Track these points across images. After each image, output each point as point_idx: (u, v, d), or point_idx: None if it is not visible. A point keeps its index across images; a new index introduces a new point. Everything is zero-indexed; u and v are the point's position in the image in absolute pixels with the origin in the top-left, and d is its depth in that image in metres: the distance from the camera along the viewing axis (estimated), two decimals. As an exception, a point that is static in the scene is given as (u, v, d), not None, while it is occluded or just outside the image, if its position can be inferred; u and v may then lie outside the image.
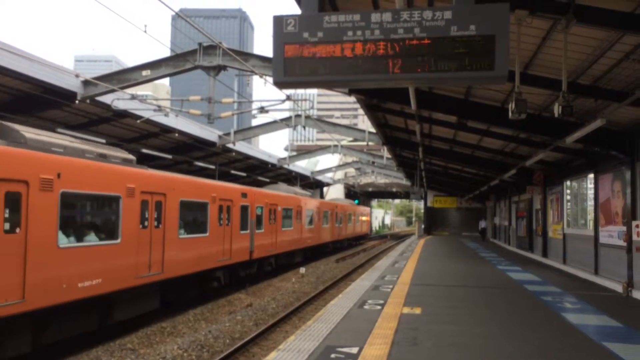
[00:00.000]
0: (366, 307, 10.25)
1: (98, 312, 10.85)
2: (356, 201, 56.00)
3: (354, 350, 6.95)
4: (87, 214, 10.87)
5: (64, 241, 9.49)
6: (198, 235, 14.84)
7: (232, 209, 17.32)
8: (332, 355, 6.68)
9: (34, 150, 9.07)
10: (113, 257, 10.84)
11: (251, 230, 19.03)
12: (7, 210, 8.23)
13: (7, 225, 8.21)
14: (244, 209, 18.52)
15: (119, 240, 11.04)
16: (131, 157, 12.54)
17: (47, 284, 9.00)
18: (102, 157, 11.24)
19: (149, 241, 12.20)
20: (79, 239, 10.03)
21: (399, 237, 61.28)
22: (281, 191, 25.26)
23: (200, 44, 16.69)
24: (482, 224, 40.54)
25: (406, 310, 9.94)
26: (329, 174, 56.92)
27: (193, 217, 14.89)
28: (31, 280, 8.60)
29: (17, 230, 8.40)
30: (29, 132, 9.65)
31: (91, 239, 10.30)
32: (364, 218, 50.31)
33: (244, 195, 18.62)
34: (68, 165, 9.69)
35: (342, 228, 38.65)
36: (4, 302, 8.13)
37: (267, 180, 40.91)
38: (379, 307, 10.14)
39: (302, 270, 22.60)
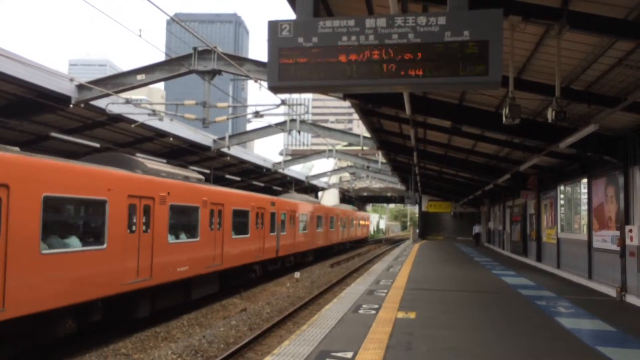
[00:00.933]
0: (361, 311, 10.25)
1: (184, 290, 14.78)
2: (350, 205, 56.82)
3: (349, 354, 6.95)
4: (182, 220, 14.55)
5: (171, 238, 13.65)
6: (243, 236, 18.83)
7: (265, 215, 21.23)
8: (327, 360, 6.67)
9: (153, 175, 13.15)
10: (196, 251, 15.07)
11: (277, 232, 22.84)
12: (145, 216, 12.38)
13: (144, 226, 12.34)
14: (273, 215, 22.36)
15: (198, 239, 15.20)
16: (201, 176, 16.80)
17: (193, 261, 14.77)
18: (186, 178, 15.27)
19: (214, 239, 16.28)
20: (178, 237, 14.14)
21: (394, 242, 61.29)
22: (295, 199, 28.57)
23: (195, 49, 16.69)
24: (476, 229, 39.98)
25: (401, 314, 9.94)
26: (324, 179, 56.91)
27: (241, 221, 18.67)
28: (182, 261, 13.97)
29: (148, 230, 12.45)
30: (149, 162, 13.99)
31: (183, 237, 14.41)
32: (364, 223, 54.50)
33: (273, 204, 22.56)
34: (172, 186, 13.88)
35: (346, 232, 42.23)
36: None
37: (262, 184, 40.89)
38: (373, 312, 10.14)
39: (297, 274, 22.57)
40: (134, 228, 11.83)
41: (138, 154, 17.80)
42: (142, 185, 12.33)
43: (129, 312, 12.33)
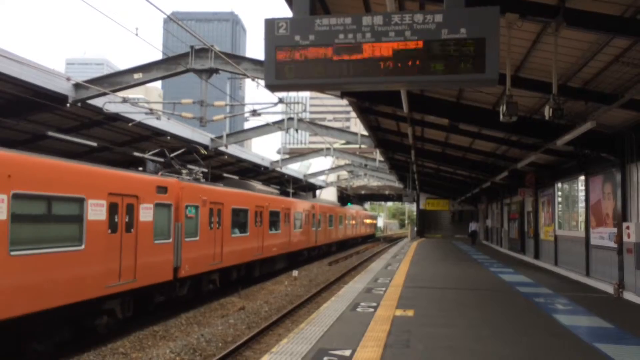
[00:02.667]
0: (359, 309, 10.26)
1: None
2: (349, 204, 59.61)
3: (347, 352, 6.95)
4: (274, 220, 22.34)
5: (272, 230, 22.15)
6: (299, 230, 27.37)
7: (309, 216, 29.93)
8: (325, 358, 6.67)
9: (259, 193, 21.66)
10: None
11: (316, 228, 31.57)
12: (257, 219, 19.96)
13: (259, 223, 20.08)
14: (314, 215, 31.19)
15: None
16: (276, 190, 24.42)
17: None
18: (269, 192, 21.59)
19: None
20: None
21: (392, 240, 61.32)
22: (327, 204, 38.31)
23: (192, 47, 16.66)
24: (473, 227, 39.18)
25: (399, 312, 9.95)
26: (322, 177, 56.92)
27: (300, 220, 27.62)
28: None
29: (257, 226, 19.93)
30: (256, 184, 21.79)
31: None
32: (371, 221, 63.97)
33: (313, 207, 31.33)
34: (269, 199, 21.93)
35: (359, 229, 50.99)
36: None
37: (260, 183, 40.84)
38: (371, 310, 10.14)
39: (295, 273, 22.57)
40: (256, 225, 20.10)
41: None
42: (257, 199, 20.48)
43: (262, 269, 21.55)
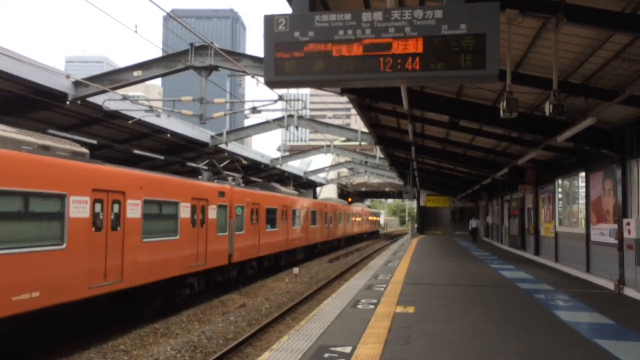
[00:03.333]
0: (359, 306, 10.26)
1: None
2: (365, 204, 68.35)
3: (347, 349, 6.95)
4: (295, 217, 25.86)
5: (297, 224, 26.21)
6: (314, 226, 30.56)
7: (335, 214, 36.91)
8: (326, 355, 6.68)
9: (283, 194, 24.66)
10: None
11: (335, 224, 37.48)
12: (283, 217, 23.63)
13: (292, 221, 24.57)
14: (340, 215, 38.87)
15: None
16: (295, 191, 27.17)
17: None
18: (290, 194, 24.29)
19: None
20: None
21: (392, 237, 61.35)
22: (343, 204, 43.68)
23: (191, 45, 16.65)
24: (473, 224, 38.26)
25: (399, 309, 9.95)
26: (322, 174, 56.95)
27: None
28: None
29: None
30: (279, 186, 22.99)
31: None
32: (376, 218, 70.02)
33: (326, 205, 34.89)
34: (292, 200, 25.38)
35: (364, 225, 55.63)
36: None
37: (260, 180, 40.85)
38: (372, 307, 10.15)
39: (296, 270, 22.59)
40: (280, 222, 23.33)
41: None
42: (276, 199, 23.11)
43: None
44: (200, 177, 18.18)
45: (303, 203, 28.21)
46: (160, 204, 13.05)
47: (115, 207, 11.17)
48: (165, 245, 13.16)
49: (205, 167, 21.02)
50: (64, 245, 9.55)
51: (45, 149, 9.99)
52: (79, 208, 9.97)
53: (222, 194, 16.65)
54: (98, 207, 10.59)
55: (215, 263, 16.02)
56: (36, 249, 8.92)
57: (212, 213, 15.81)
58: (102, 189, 10.73)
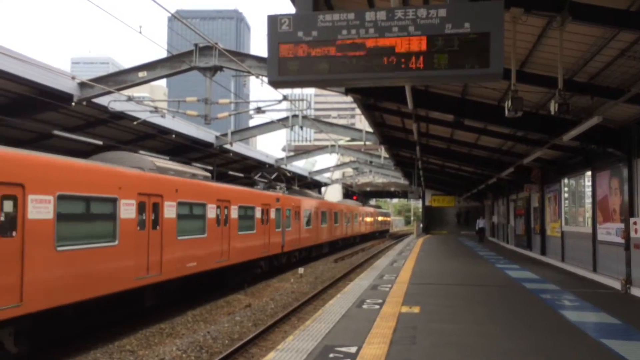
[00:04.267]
0: (365, 306, 10.25)
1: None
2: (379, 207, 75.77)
3: (353, 349, 6.95)
4: (323, 217, 31.27)
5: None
6: (336, 224, 35.78)
7: (359, 217, 44.74)
8: (331, 355, 6.67)
9: (313, 198, 31.34)
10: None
11: (351, 223, 42.18)
12: (314, 216, 29.83)
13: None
14: (361, 215, 46.13)
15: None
16: (320, 195, 36.54)
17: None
18: (318, 197, 30.72)
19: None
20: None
21: (398, 237, 61.30)
22: (361, 206, 50.62)
23: (196, 45, 16.66)
24: (480, 224, 37.58)
25: (405, 309, 9.93)
26: (327, 174, 56.94)
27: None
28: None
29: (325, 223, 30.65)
30: (308, 191, 31.24)
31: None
32: (386, 219, 75.79)
33: (346, 207, 40.78)
34: (320, 202, 31.24)
35: (379, 225, 63.04)
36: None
37: (265, 180, 40.90)
38: (377, 307, 10.14)
39: (301, 270, 22.60)
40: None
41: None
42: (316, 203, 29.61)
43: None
44: (257, 186, 25.45)
45: (329, 206, 34.26)
46: (246, 209, 18.90)
47: (225, 211, 17.08)
48: (248, 237, 18.90)
49: (265, 180, 29.51)
50: (206, 235, 15.39)
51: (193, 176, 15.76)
52: (212, 212, 15.91)
53: (278, 200, 22.70)
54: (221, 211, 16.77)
55: (274, 251, 22.00)
56: (195, 236, 14.72)
57: (272, 214, 21.80)
58: (223, 199, 16.89)
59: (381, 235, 64.96)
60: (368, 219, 53.04)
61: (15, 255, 8.67)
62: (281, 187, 26.33)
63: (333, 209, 34.90)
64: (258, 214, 19.81)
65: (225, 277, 17.52)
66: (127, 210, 11.65)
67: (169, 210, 13.35)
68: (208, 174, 17.23)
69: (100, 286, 10.71)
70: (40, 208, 9.22)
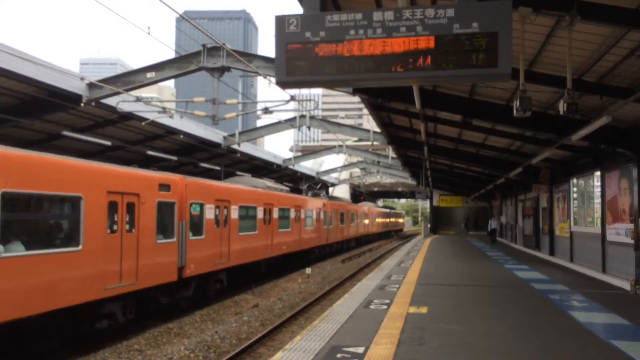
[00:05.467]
0: (372, 306, 10.24)
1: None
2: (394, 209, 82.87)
3: (360, 350, 6.94)
4: (351, 218, 40.10)
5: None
6: (361, 223, 43.53)
7: (371, 217, 49.21)
8: (338, 355, 6.67)
9: (344, 202, 40.42)
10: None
11: (378, 223, 52.04)
12: (346, 217, 37.81)
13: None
14: (379, 216, 55.29)
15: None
16: (348, 199, 47.87)
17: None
18: (347, 201, 42.05)
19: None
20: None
21: (405, 237, 61.18)
22: (377, 208, 57.14)
23: (204, 46, 16.70)
24: (492, 224, 36.04)
25: (412, 309, 9.92)
26: (334, 174, 56.90)
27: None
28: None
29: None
30: (343, 197, 46.90)
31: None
32: (401, 220, 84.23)
33: (368, 209, 47.58)
34: (349, 205, 40.42)
35: (394, 225, 70.94)
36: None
37: (273, 181, 41.00)
38: (385, 307, 10.12)
39: (308, 270, 22.61)
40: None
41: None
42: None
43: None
44: (309, 193, 33.84)
45: (356, 208, 41.63)
46: (310, 211, 26.95)
47: (300, 213, 25.23)
48: (310, 231, 26.85)
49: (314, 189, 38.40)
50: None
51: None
52: (293, 214, 23.16)
53: (324, 205, 30.27)
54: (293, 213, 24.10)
55: (322, 243, 29.78)
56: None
57: (321, 215, 29.28)
58: (299, 205, 25.16)
59: (396, 233, 72.49)
60: (387, 220, 62.52)
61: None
62: (323, 195, 35.20)
63: (358, 212, 42.56)
64: (316, 215, 28.05)
65: (298, 258, 25.18)
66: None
67: (275, 212, 21.46)
68: (287, 188, 26.03)
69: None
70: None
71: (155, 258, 11.95)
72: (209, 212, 14.77)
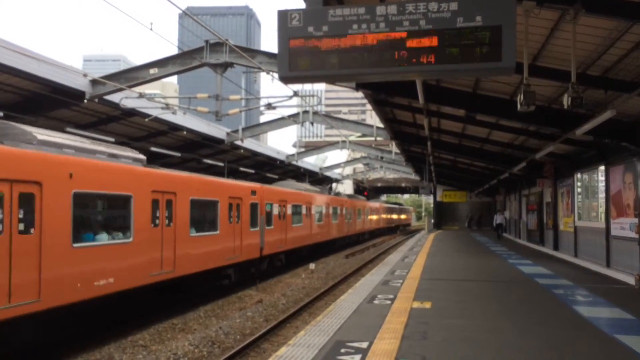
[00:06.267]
0: (376, 302, 10.25)
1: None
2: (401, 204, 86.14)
3: (364, 344, 6.95)
4: (369, 213, 47.41)
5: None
6: (373, 218, 50.00)
7: (378, 210, 52.75)
8: (342, 350, 6.68)
9: (361, 200, 46.45)
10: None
11: (380, 217, 52.95)
12: (365, 213, 46.36)
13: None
14: (390, 211, 61.61)
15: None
16: (364, 197, 51.41)
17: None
18: (364, 199, 47.73)
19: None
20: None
21: (409, 232, 61.20)
22: (387, 205, 62.17)
23: (207, 42, 16.68)
24: (498, 219, 35.08)
25: (416, 304, 9.92)
26: (338, 170, 56.89)
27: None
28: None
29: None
30: (359, 196, 49.84)
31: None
32: (408, 216, 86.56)
33: (380, 205, 54.89)
34: (368, 203, 47.54)
35: (403, 220, 75.19)
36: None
37: (276, 177, 41.03)
38: (388, 302, 10.13)
39: (312, 266, 22.63)
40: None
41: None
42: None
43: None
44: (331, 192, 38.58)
45: (369, 205, 46.45)
46: (338, 208, 32.85)
47: (329, 209, 30.52)
48: (335, 225, 31.83)
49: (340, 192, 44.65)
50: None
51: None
52: (327, 210, 29.88)
53: (345, 202, 34.80)
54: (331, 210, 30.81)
55: (351, 233, 37.44)
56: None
57: (344, 211, 34.49)
58: (328, 203, 30.91)
59: (403, 227, 76.17)
60: (395, 215, 68.30)
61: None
62: (342, 194, 39.98)
63: (372, 207, 48.02)
64: (339, 211, 33.43)
65: (326, 246, 30.13)
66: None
67: (312, 209, 26.47)
68: (317, 189, 31.23)
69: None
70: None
71: (250, 240, 17.54)
72: (275, 209, 20.50)
